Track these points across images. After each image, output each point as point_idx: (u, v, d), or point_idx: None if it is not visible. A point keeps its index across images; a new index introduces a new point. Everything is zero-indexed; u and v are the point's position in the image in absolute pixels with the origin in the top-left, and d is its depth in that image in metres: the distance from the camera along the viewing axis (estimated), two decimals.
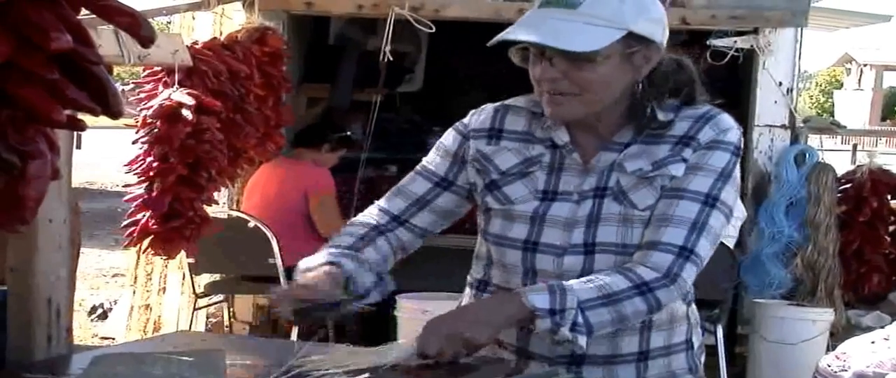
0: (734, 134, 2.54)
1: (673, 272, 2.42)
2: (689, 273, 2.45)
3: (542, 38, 2.39)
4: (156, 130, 5.11)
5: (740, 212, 6.56)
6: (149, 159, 5.15)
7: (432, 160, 2.71)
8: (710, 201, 2.46)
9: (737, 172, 2.54)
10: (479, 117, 2.69)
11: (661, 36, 2.49)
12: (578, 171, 2.54)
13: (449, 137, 2.70)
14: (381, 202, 2.74)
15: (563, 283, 2.40)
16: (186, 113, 5.09)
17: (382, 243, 2.67)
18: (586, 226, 2.50)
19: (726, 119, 2.56)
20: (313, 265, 2.55)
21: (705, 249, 2.47)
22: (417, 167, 2.74)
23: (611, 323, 2.42)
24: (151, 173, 5.16)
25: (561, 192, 2.54)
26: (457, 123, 2.72)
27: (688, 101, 2.56)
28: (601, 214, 2.50)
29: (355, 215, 2.78)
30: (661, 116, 2.51)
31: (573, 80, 2.42)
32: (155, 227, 5.17)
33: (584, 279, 2.42)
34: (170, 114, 5.11)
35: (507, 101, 2.69)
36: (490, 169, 2.61)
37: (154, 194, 5.15)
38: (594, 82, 2.43)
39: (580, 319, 2.35)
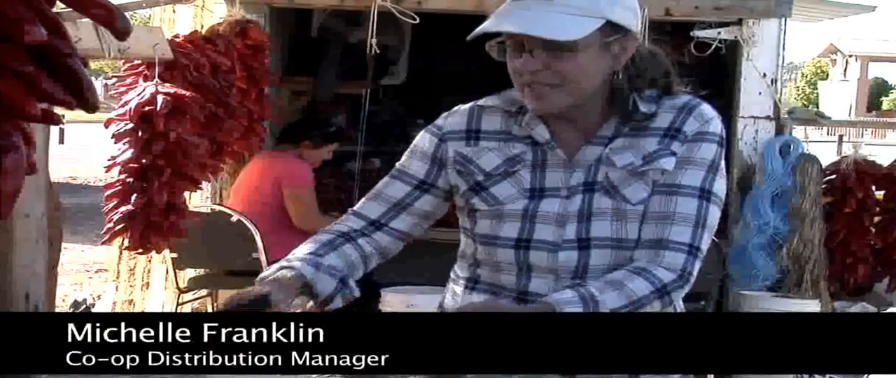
0: (717, 124, 2.55)
1: (687, 272, 2.45)
2: (697, 269, 2.48)
3: (523, 28, 2.39)
4: (150, 124, 5.06)
5: None
6: (145, 155, 5.10)
7: (408, 163, 2.69)
8: (705, 195, 2.48)
9: (723, 163, 2.55)
10: (452, 119, 2.67)
11: (636, 25, 2.49)
12: (563, 167, 2.53)
13: (424, 140, 2.68)
14: (357, 207, 2.71)
15: (592, 289, 2.37)
16: (188, 108, 5.09)
17: (350, 250, 2.62)
18: (578, 221, 2.49)
19: (708, 109, 2.56)
20: (269, 273, 2.50)
21: (707, 244, 2.50)
22: (393, 171, 2.71)
23: None
24: (146, 168, 5.11)
25: (548, 189, 2.53)
26: (429, 126, 2.70)
27: (666, 92, 2.57)
28: (593, 209, 2.49)
29: (346, 207, 2.75)
30: (643, 108, 2.51)
31: (555, 71, 2.41)
32: (155, 221, 5.12)
33: (609, 281, 2.41)
34: (172, 108, 5.08)
35: (479, 102, 2.67)
36: (473, 170, 2.60)
37: (152, 189, 5.09)
38: (575, 72, 2.42)
39: None
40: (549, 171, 2.54)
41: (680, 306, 2.69)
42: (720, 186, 2.51)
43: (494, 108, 2.63)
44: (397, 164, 2.72)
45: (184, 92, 5.17)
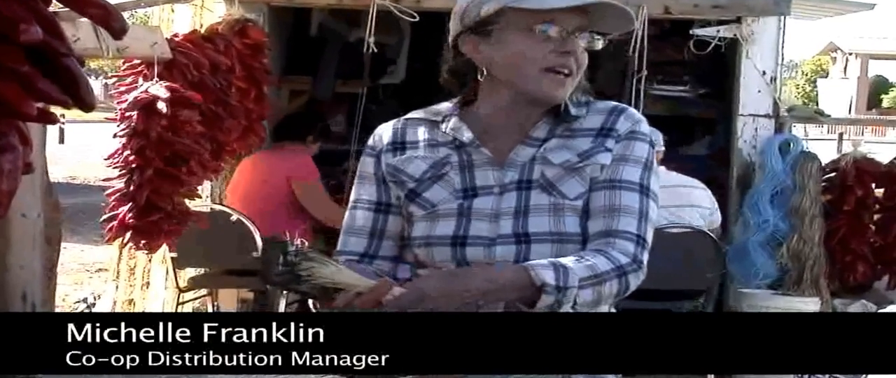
0: (646, 126, 2.64)
1: (638, 259, 2.50)
2: (646, 259, 2.53)
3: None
4: (133, 124, 5.06)
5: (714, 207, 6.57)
6: (126, 153, 5.11)
7: (361, 192, 2.73)
8: (645, 190, 2.57)
9: (655, 162, 2.64)
10: (381, 136, 2.73)
11: None
12: (492, 166, 2.59)
13: (366, 164, 2.73)
14: (341, 247, 2.71)
15: (560, 259, 2.43)
16: (161, 106, 5.06)
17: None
18: (515, 217, 2.54)
19: (635, 112, 2.66)
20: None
21: (650, 236, 2.57)
22: (350, 205, 2.74)
23: (589, 304, 2.45)
24: (129, 167, 5.12)
25: (481, 188, 2.59)
26: (365, 149, 2.75)
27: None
28: (530, 205, 2.54)
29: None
30: (573, 111, 2.61)
31: (577, 60, 2.53)
32: (132, 220, 5.13)
33: (572, 258, 2.45)
34: (145, 106, 5.07)
35: (405, 116, 2.75)
36: (404, 179, 2.65)
37: (132, 188, 5.11)
38: (584, 65, 2.56)
39: (578, 299, 2.39)
40: (478, 170, 2.60)
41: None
42: (656, 184, 2.61)
43: (418, 120, 2.72)
44: (351, 197, 2.75)
45: (158, 91, 5.11)
